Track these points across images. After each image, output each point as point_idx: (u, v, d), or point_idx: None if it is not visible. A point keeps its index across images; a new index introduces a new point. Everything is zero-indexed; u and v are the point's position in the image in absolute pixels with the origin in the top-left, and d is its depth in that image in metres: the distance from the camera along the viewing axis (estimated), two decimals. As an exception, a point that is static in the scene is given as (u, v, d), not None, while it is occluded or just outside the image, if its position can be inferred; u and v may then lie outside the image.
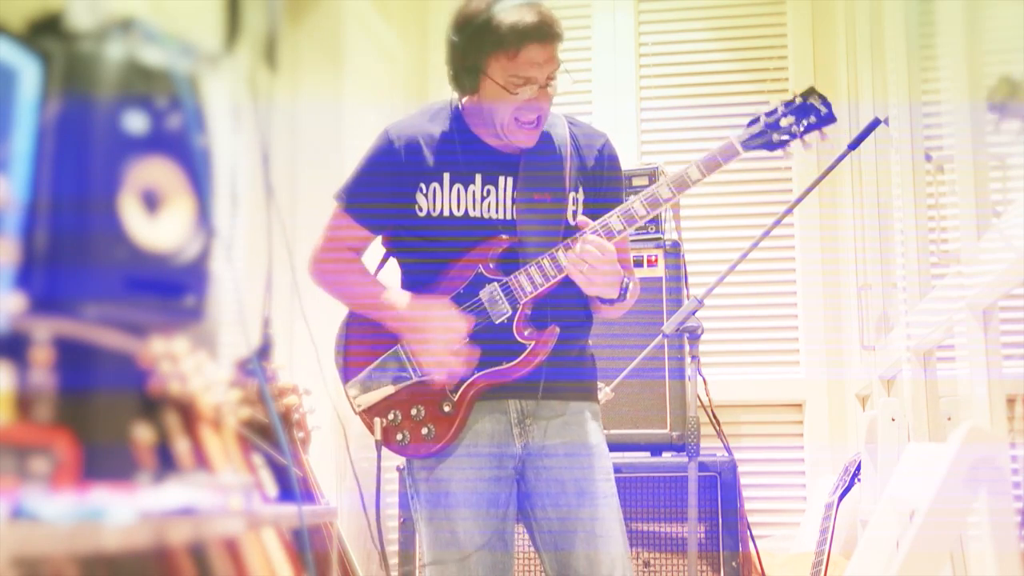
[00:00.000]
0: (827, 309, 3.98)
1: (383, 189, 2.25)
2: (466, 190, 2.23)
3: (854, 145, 2.96)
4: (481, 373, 2.19)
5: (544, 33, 2.10)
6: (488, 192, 2.23)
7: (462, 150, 2.24)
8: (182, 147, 1.12)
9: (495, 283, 2.20)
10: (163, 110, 1.10)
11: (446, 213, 2.22)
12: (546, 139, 2.28)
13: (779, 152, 2.26)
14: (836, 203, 3.97)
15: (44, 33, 1.07)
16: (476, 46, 2.13)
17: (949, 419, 2.55)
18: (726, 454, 3.13)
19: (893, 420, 2.83)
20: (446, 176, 2.23)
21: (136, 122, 1.07)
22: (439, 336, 2.18)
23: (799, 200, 3.05)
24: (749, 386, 3.99)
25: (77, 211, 1.03)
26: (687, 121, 4.19)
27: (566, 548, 2.20)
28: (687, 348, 2.84)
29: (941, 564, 1.62)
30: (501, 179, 2.24)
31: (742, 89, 4.10)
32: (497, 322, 2.19)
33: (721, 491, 3.09)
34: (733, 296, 3.97)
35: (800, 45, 4.15)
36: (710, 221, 4.09)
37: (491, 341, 2.19)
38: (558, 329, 2.20)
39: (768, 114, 2.25)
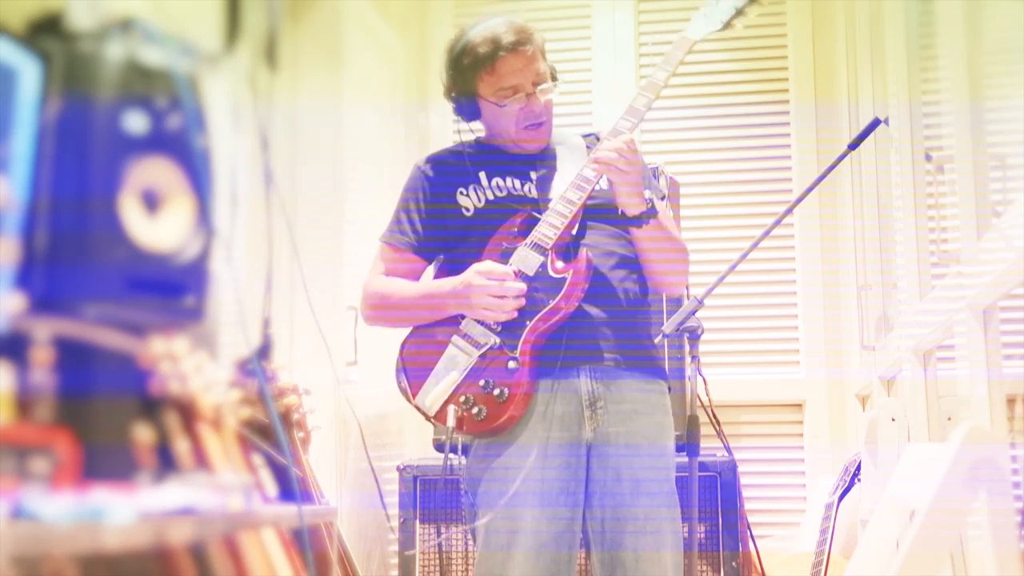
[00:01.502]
0: (827, 309, 3.98)
1: (426, 210, 2.37)
2: (504, 180, 2.35)
3: (854, 145, 2.96)
4: (533, 321, 2.22)
5: (513, 42, 2.26)
6: (526, 183, 2.36)
7: (491, 159, 2.38)
8: (182, 147, 1.12)
9: (520, 246, 2.26)
10: (163, 110, 1.10)
11: (491, 198, 2.34)
12: (563, 136, 2.43)
13: (733, 26, 2.37)
14: (836, 203, 3.96)
15: (44, 33, 1.07)
16: (461, 73, 2.33)
17: (949, 419, 2.55)
18: (726, 454, 3.13)
19: (893, 420, 2.83)
20: (482, 175, 2.36)
21: (136, 122, 1.07)
22: (482, 279, 2.22)
23: (799, 200, 3.04)
24: (749, 386, 3.98)
25: (77, 211, 1.03)
26: (687, 121, 4.18)
27: (616, 544, 2.20)
28: (687, 348, 2.84)
29: (941, 564, 1.62)
30: (532, 174, 2.36)
31: (742, 89, 4.10)
32: (532, 273, 2.24)
33: (721, 491, 3.09)
34: (733, 296, 3.96)
35: (800, 45, 4.15)
36: (710, 221, 4.09)
37: (532, 289, 2.23)
38: (587, 251, 2.25)
39: (706, 4, 2.37)
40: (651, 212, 2.26)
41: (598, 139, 2.41)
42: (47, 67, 1.04)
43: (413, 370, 2.28)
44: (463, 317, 2.26)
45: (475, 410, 2.21)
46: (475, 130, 2.42)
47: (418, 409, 2.28)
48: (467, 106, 2.35)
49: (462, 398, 2.22)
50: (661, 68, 2.32)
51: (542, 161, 2.37)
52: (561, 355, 2.22)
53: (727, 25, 2.35)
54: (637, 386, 2.28)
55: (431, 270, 2.43)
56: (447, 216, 2.34)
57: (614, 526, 2.20)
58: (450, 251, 2.38)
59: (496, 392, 2.20)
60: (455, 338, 2.26)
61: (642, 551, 2.18)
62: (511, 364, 2.21)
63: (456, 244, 2.36)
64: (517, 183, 2.34)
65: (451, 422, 2.20)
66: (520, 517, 2.16)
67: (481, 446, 2.28)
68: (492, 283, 2.20)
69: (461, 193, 2.33)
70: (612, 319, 2.27)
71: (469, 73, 2.30)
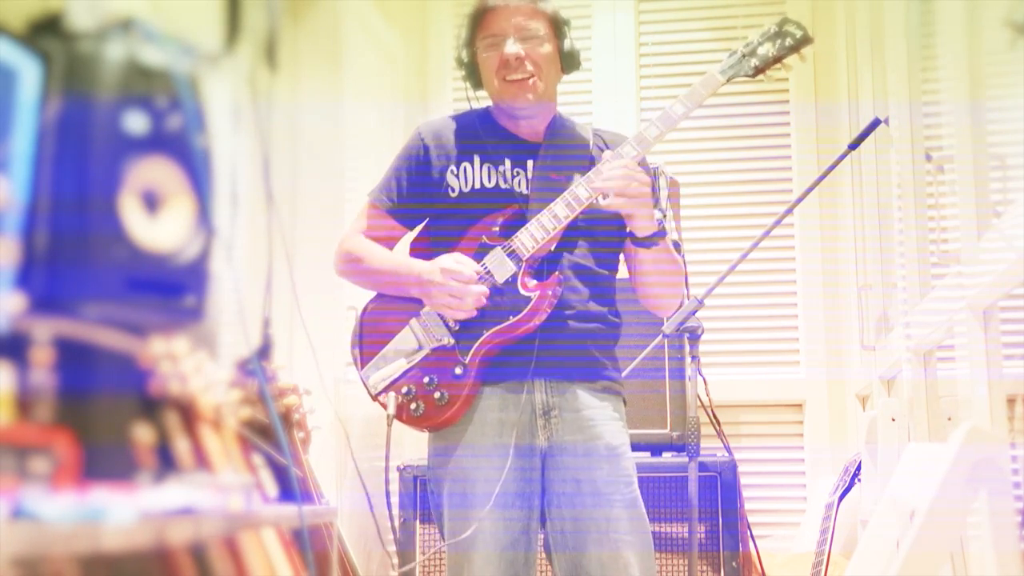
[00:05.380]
0: (827, 309, 3.98)
1: (415, 180, 2.35)
2: (496, 169, 2.32)
3: (854, 145, 2.96)
4: (490, 332, 2.22)
5: None
6: (517, 172, 2.33)
7: (490, 139, 2.35)
8: (182, 147, 1.12)
9: (498, 247, 2.25)
10: (163, 110, 1.10)
11: (477, 185, 2.31)
12: (569, 128, 2.41)
13: (761, 78, 2.36)
14: (836, 203, 3.96)
15: (44, 33, 1.07)
16: (467, 39, 2.35)
17: (949, 419, 2.55)
18: (726, 454, 3.13)
19: (893, 420, 2.83)
20: (476, 157, 2.33)
21: (136, 122, 1.07)
22: (450, 277, 2.21)
23: (799, 200, 3.05)
24: (749, 386, 3.98)
25: (77, 211, 1.02)
26: (687, 121, 4.17)
27: (578, 550, 2.20)
28: (687, 348, 2.84)
29: (941, 564, 1.62)
30: (529, 163, 2.33)
31: (742, 89, 4.08)
32: (502, 282, 2.24)
33: (721, 491, 3.09)
34: (733, 296, 3.97)
35: (800, 45, 4.14)
36: (710, 221, 4.09)
37: (497, 300, 2.23)
38: (560, 275, 2.24)
39: (745, 45, 2.35)
40: (661, 234, 2.25)
41: (604, 142, 2.40)
42: (47, 67, 1.04)
43: (369, 336, 2.31)
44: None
45: (413, 405, 2.24)
46: (481, 97, 2.40)
47: (363, 382, 2.30)
48: (471, 72, 2.36)
49: (404, 388, 2.24)
50: (681, 103, 2.31)
51: (545, 152, 2.34)
52: (516, 365, 2.23)
53: (759, 72, 2.34)
54: (593, 393, 2.27)
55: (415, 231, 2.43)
56: (433, 193, 2.33)
57: (575, 528, 2.21)
58: (430, 225, 2.38)
59: (437, 395, 2.22)
60: (413, 322, 2.28)
61: (606, 555, 2.18)
62: (458, 369, 2.23)
63: (437, 221, 2.36)
64: (509, 173, 2.31)
65: (391, 410, 2.23)
66: (477, 519, 2.18)
67: (439, 448, 2.29)
68: (455, 284, 2.20)
69: (452, 172, 2.32)
70: (572, 331, 2.26)
71: (472, 34, 2.33)
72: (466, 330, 2.24)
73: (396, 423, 2.27)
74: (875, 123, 2.92)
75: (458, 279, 2.21)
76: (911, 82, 2.79)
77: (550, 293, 2.23)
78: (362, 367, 2.30)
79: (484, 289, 2.21)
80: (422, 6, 4.35)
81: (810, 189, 3.00)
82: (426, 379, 2.24)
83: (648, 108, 4.24)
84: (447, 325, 2.25)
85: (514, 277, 2.24)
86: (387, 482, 2.30)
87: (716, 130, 4.14)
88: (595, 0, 4.31)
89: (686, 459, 2.80)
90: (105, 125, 1.05)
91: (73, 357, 1.04)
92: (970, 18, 2.18)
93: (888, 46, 3.03)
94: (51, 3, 1.09)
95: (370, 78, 3.94)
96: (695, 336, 2.77)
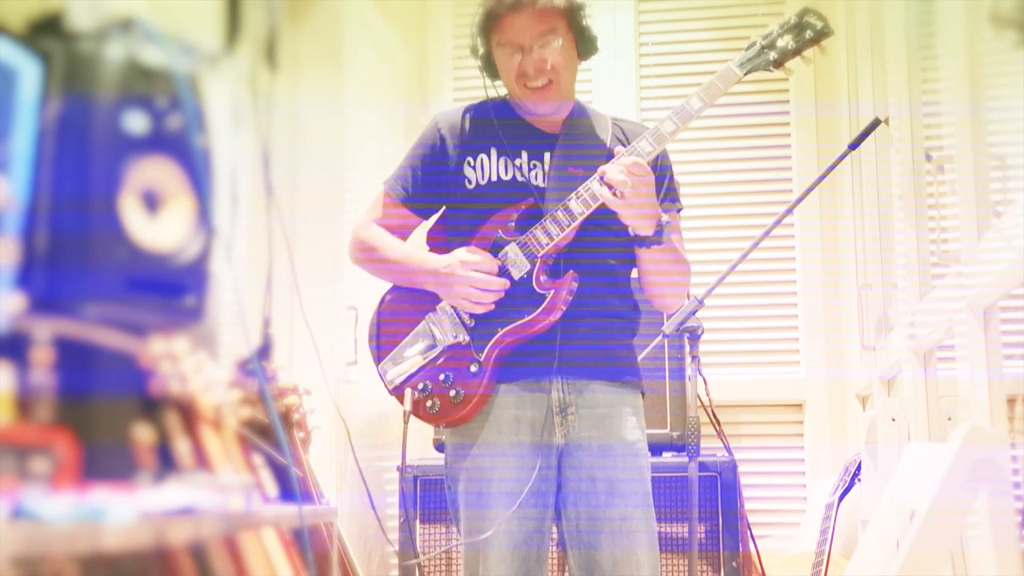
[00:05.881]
0: (827, 309, 3.98)
1: (430, 169, 2.34)
2: (513, 161, 2.30)
3: (854, 145, 2.97)
4: (505, 329, 2.22)
5: (521, 2, 2.22)
6: (534, 165, 2.30)
7: (506, 130, 2.33)
8: (182, 147, 1.12)
9: (513, 243, 2.24)
10: (163, 110, 1.10)
11: (494, 179, 2.29)
12: (588, 119, 2.38)
13: (780, 72, 2.29)
14: (836, 203, 3.96)
15: (44, 33, 1.07)
16: (481, 34, 2.31)
17: (949, 419, 2.55)
18: (726, 454, 3.13)
19: (893, 420, 2.83)
20: (493, 150, 2.31)
21: (136, 122, 1.07)
22: (471, 268, 2.21)
23: (799, 200, 3.05)
24: (749, 386, 3.98)
25: (77, 211, 1.02)
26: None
27: (592, 547, 2.20)
28: (687, 348, 2.85)
29: (941, 564, 1.62)
30: (547, 155, 2.31)
31: (742, 89, 4.07)
32: (517, 278, 2.23)
33: (721, 491, 3.09)
34: (733, 296, 3.96)
35: (800, 45, 4.14)
36: (710, 221, 4.09)
37: (511, 297, 2.22)
38: (575, 273, 2.23)
39: (764, 36, 2.28)
40: (659, 235, 2.22)
41: (623, 132, 2.39)
42: (47, 67, 1.04)
43: (386, 336, 2.31)
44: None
45: (429, 403, 2.24)
46: (497, 85, 2.37)
47: (380, 377, 2.30)
48: (488, 68, 2.34)
49: (420, 384, 2.24)
50: (699, 97, 2.24)
51: (562, 145, 2.32)
52: (532, 365, 2.22)
53: (779, 65, 2.26)
54: (610, 389, 2.27)
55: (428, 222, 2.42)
56: (449, 183, 2.31)
57: (589, 526, 2.21)
58: (447, 217, 2.37)
59: (452, 393, 2.22)
60: (429, 317, 2.28)
61: (619, 552, 2.18)
62: (473, 367, 2.22)
63: (453, 213, 2.35)
64: (526, 166, 2.29)
65: (407, 405, 2.23)
66: (493, 518, 2.18)
67: (456, 446, 2.29)
68: (476, 275, 2.20)
69: (468, 164, 2.30)
70: (590, 329, 2.26)
71: (486, 34, 2.30)
72: (481, 327, 2.24)
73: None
74: (875, 123, 2.92)
75: (480, 270, 2.21)
76: (911, 82, 2.79)
77: (564, 292, 2.22)
78: (378, 361, 2.30)
79: (505, 281, 2.21)
80: (422, 6, 4.35)
81: (810, 189, 3.00)
82: (442, 376, 2.24)
83: (648, 108, 4.24)
84: (463, 322, 2.25)
85: (529, 274, 2.23)
86: (402, 481, 2.30)
87: (716, 130, 4.13)
88: (595, 0, 4.30)
89: (686, 459, 2.80)
90: (105, 125, 1.05)
91: (73, 357, 1.04)
92: (970, 18, 2.18)
93: (888, 46, 3.03)
94: (51, 3, 1.09)
95: (370, 78, 3.94)
96: (695, 336, 2.78)
